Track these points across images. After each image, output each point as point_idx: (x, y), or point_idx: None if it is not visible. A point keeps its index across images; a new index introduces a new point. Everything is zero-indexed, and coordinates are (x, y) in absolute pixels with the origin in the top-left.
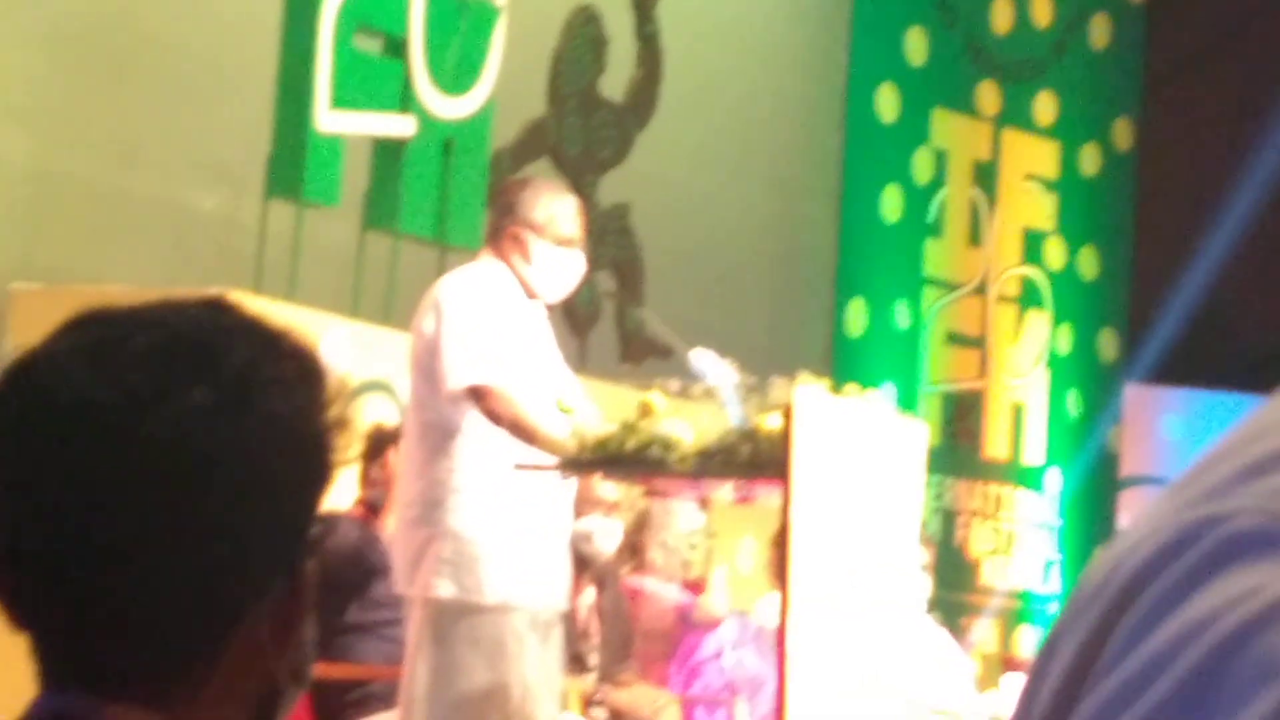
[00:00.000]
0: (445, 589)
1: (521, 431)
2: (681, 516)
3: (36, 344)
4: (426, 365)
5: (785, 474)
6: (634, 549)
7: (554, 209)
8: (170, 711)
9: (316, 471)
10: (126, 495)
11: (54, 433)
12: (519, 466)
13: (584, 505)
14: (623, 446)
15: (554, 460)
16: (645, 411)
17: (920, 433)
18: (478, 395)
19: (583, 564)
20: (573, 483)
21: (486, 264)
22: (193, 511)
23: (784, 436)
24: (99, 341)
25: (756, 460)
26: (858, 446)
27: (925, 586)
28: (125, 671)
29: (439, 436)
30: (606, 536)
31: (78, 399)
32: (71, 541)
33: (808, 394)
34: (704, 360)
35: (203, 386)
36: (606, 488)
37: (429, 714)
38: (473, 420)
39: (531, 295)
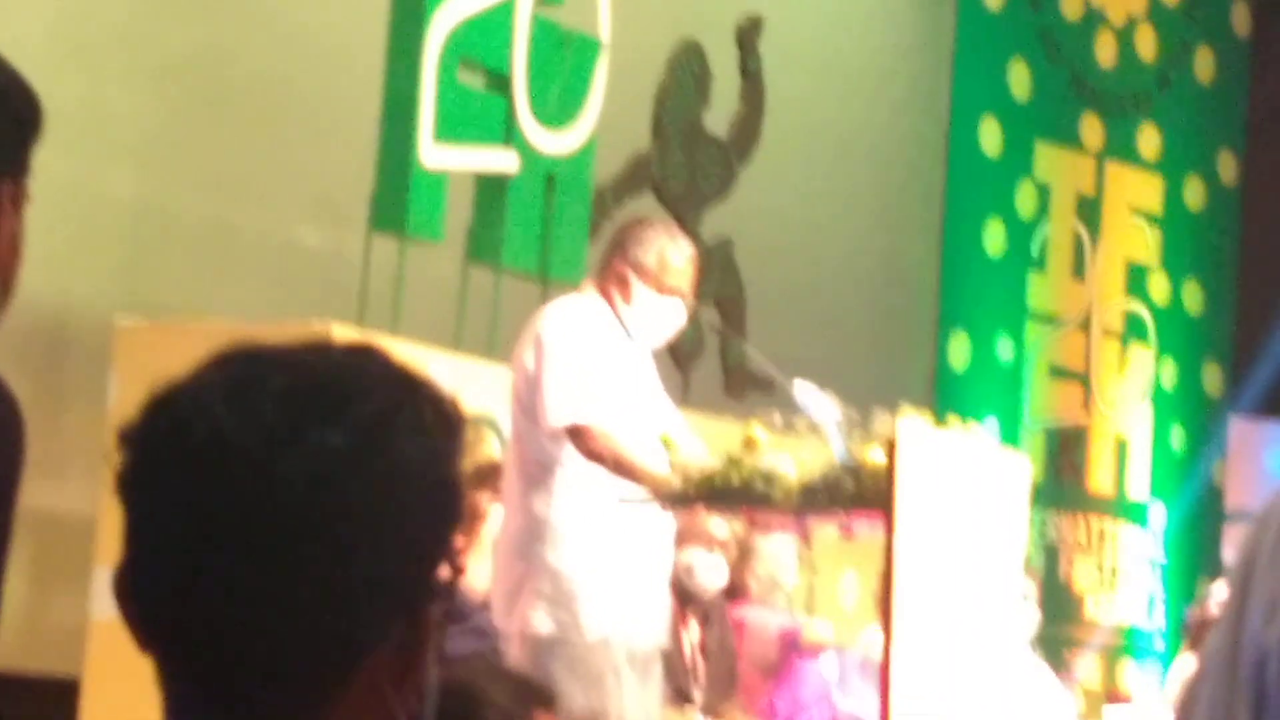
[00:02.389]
0: (543, 624)
1: (623, 470)
2: (779, 548)
3: (181, 376)
4: (527, 400)
5: (888, 508)
6: (733, 580)
7: (666, 256)
8: None
9: (447, 518)
10: (256, 532)
11: (189, 466)
12: (623, 500)
13: (689, 540)
14: (726, 480)
15: (658, 494)
16: (748, 445)
17: (1024, 466)
18: (577, 435)
19: (688, 599)
20: (672, 518)
21: (589, 298)
22: (320, 552)
23: (887, 470)
24: (239, 379)
25: (860, 494)
26: (961, 480)
27: (1034, 618)
28: (248, 704)
29: (538, 470)
30: (709, 571)
31: (214, 435)
32: (199, 573)
33: (911, 427)
34: (806, 393)
35: (337, 430)
36: (714, 523)
37: None
38: (572, 454)
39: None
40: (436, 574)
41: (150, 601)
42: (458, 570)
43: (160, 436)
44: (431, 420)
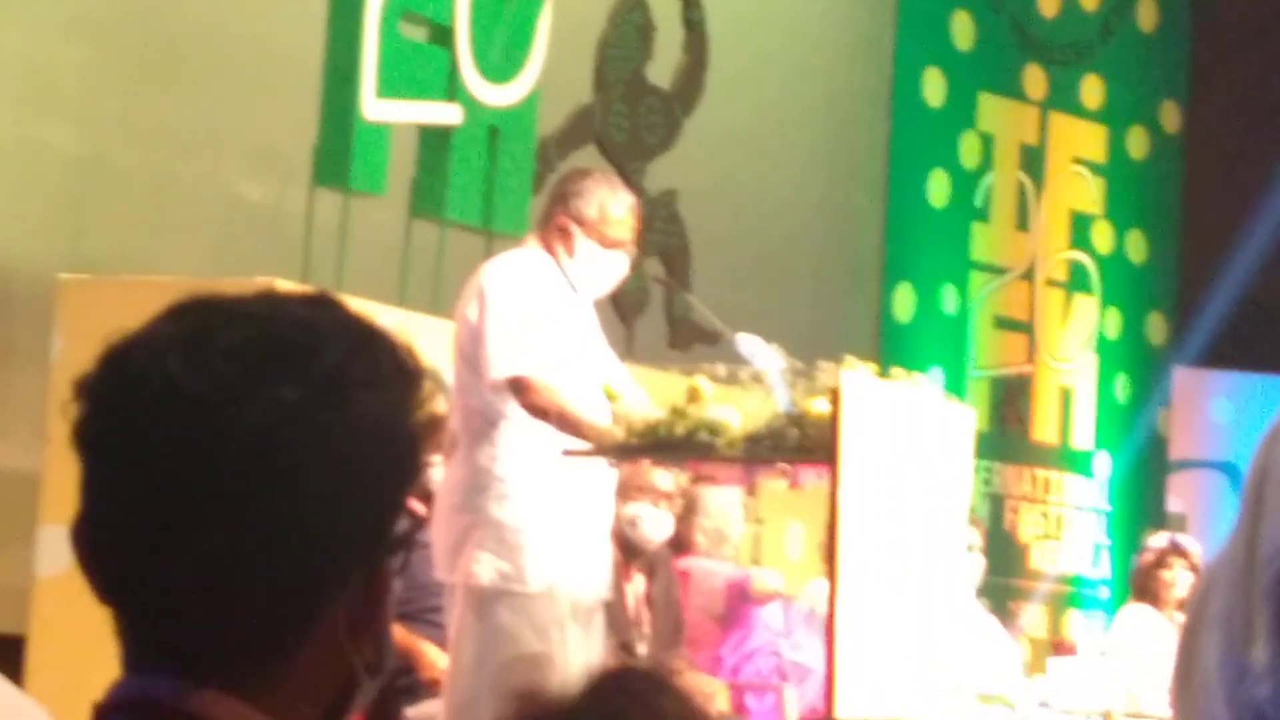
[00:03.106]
0: (487, 576)
1: (566, 423)
2: (725, 501)
3: (137, 328)
4: (470, 352)
5: (833, 458)
6: (679, 533)
7: (607, 208)
8: (251, 698)
9: (402, 470)
10: (211, 484)
11: (144, 418)
12: (568, 453)
13: (633, 492)
14: (671, 432)
15: (601, 447)
16: (693, 397)
17: (968, 417)
18: (519, 388)
19: (632, 551)
20: (616, 470)
21: (531, 251)
22: (277, 504)
23: (831, 421)
24: (195, 331)
25: (804, 445)
26: (905, 431)
27: (978, 566)
28: (207, 656)
29: (482, 423)
30: (653, 523)
31: (168, 387)
32: (155, 526)
33: (855, 378)
34: (751, 345)
35: (292, 383)
36: (660, 476)
37: (476, 681)
38: (515, 407)
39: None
40: (393, 526)
41: (107, 553)
42: (416, 522)
43: (115, 389)
44: (387, 371)
